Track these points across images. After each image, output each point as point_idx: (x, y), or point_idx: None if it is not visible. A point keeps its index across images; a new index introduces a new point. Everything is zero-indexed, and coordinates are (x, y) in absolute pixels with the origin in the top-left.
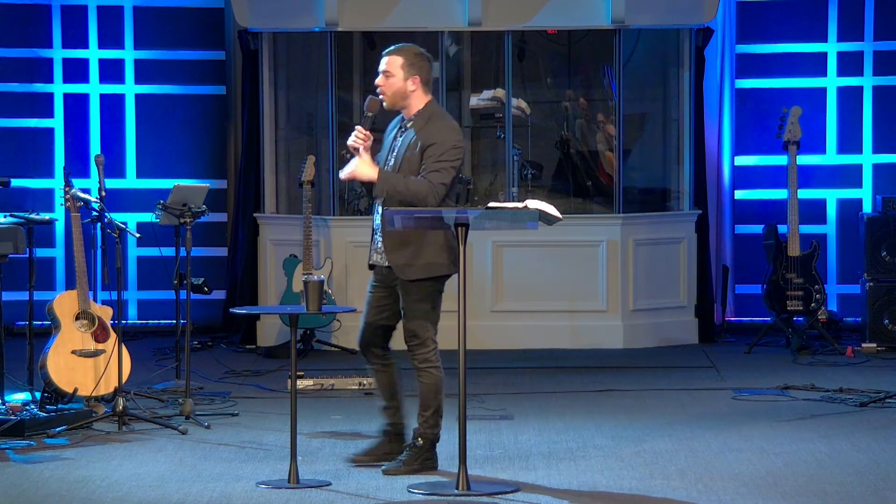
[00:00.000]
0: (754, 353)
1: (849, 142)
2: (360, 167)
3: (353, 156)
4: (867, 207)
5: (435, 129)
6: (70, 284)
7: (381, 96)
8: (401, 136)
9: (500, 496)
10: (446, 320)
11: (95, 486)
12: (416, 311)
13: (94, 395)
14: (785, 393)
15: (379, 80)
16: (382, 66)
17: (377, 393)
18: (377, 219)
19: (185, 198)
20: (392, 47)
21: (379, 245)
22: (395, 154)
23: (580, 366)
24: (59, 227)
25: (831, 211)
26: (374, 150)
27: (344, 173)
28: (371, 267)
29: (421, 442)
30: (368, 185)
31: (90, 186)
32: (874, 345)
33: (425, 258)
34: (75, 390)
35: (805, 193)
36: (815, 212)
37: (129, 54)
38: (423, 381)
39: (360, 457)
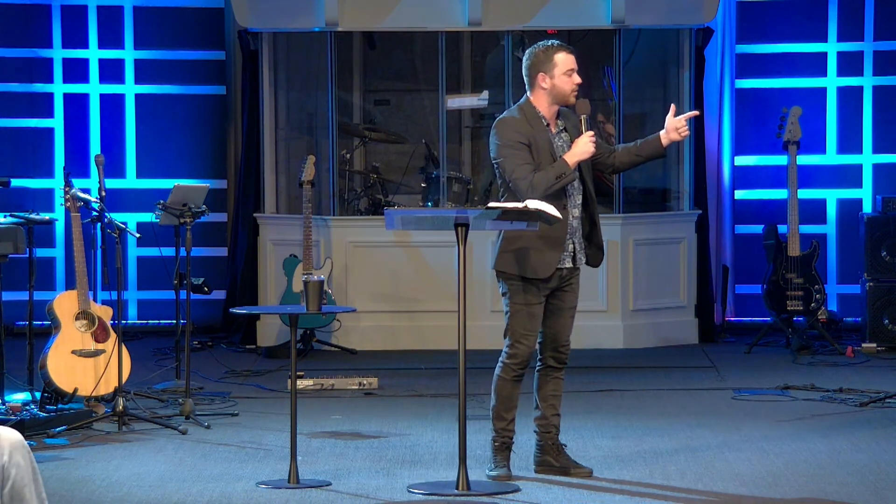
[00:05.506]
0: (754, 353)
1: (849, 142)
2: None
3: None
4: (867, 207)
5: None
6: (70, 284)
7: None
8: (558, 136)
9: (500, 496)
10: (446, 320)
11: (95, 486)
12: None
13: (94, 395)
14: (785, 393)
15: (577, 79)
16: (574, 65)
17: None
18: (574, 221)
19: (185, 198)
20: (565, 45)
21: (580, 244)
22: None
23: (580, 366)
24: (59, 227)
25: (831, 211)
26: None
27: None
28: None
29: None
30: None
31: (90, 186)
32: (874, 345)
33: None
34: (75, 390)
35: (805, 193)
36: (815, 212)
37: (129, 54)
38: None
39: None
